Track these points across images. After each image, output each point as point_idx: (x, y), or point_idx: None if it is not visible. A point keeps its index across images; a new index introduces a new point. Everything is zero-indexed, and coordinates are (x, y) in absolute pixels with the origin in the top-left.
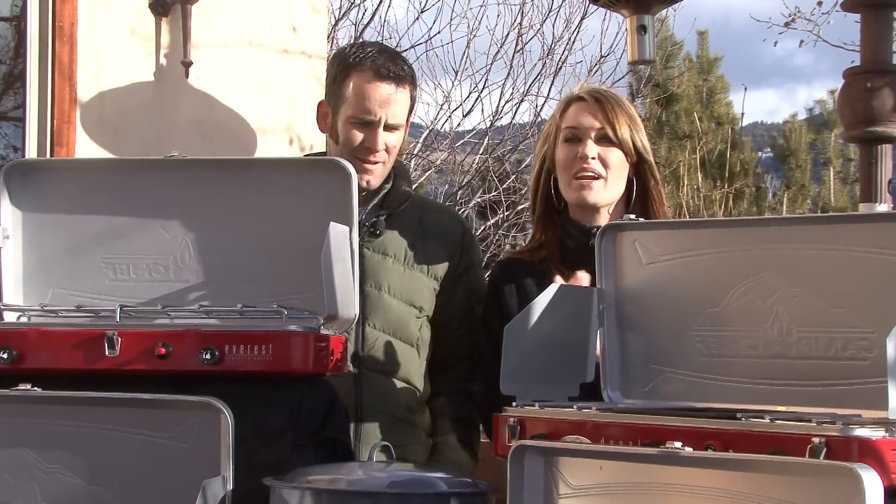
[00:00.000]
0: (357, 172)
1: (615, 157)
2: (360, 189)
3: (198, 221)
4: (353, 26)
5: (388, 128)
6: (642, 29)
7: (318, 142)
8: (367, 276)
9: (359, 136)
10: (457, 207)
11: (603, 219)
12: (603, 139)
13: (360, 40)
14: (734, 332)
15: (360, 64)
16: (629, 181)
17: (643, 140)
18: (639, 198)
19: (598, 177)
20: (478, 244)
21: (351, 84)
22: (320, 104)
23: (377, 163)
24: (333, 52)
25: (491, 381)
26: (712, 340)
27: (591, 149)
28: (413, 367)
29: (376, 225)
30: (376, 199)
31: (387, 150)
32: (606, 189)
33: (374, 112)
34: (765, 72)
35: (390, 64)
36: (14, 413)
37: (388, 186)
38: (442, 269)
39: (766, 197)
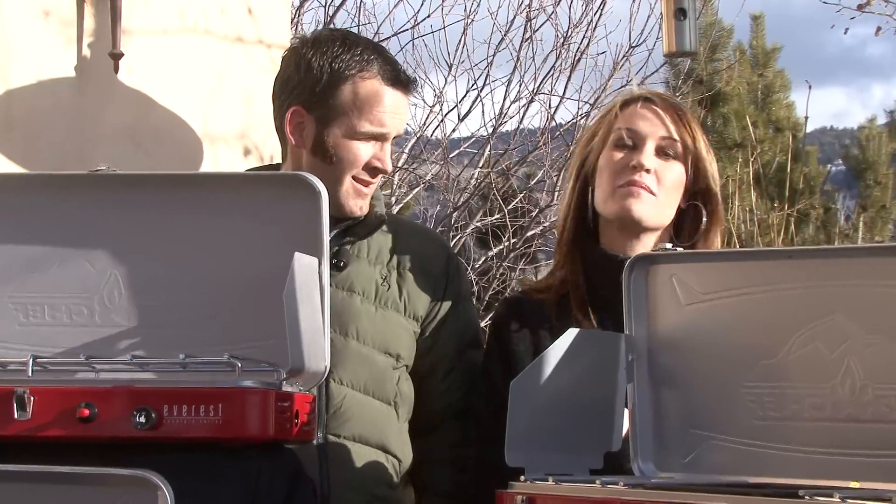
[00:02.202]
0: (353, 197)
1: (673, 174)
2: (345, 215)
3: (130, 252)
4: (323, 8)
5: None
6: (681, 13)
7: (280, 152)
8: (330, 319)
9: (367, 153)
10: (451, 233)
11: (642, 249)
12: (663, 151)
13: (338, 30)
14: (795, 390)
15: (365, 68)
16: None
17: (710, 163)
18: (687, 235)
19: (649, 191)
20: (466, 273)
21: (357, 91)
22: (294, 112)
23: (373, 184)
24: (296, 43)
25: (489, 448)
26: (768, 399)
27: (649, 159)
28: (391, 432)
29: (340, 255)
30: (341, 224)
31: None
32: (657, 207)
33: (387, 124)
34: (832, 65)
35: (398, 67)
36: None
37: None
38: (423, 306)
39: (836, 221)
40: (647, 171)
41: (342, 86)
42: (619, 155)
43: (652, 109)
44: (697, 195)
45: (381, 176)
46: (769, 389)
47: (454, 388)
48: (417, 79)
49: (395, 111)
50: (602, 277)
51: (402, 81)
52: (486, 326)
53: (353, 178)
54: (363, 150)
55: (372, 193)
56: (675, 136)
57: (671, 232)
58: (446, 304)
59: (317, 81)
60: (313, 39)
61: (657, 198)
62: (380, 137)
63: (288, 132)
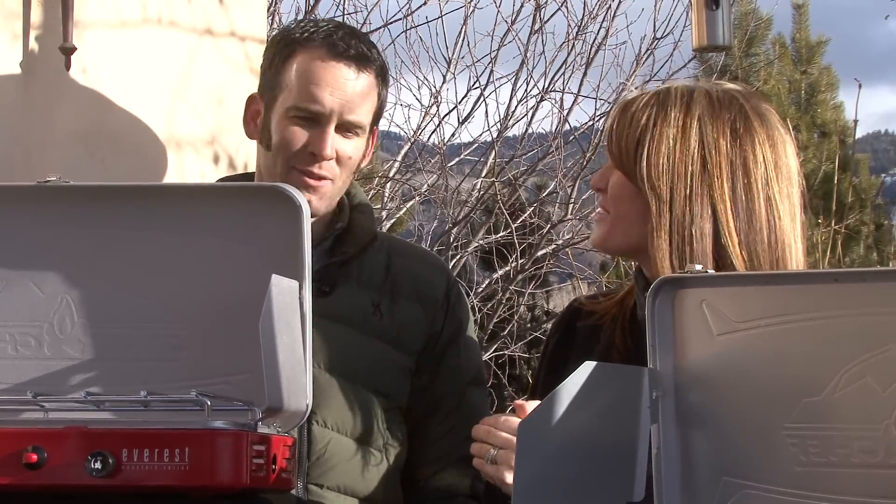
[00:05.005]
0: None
1: (619, 186)
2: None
3: (84, 274)
4: None
5: (344, 128)
6: (713, 2)
7: (255, 159)
8: (313, 352)
9: (300, 136)
10: (450, 252)
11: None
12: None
13: (312, 17)
14: (843, 432)
15: (309, 40)
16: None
17: (658, 163)
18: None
19: (605, 212)
20: (467, 303)
21: (294, 66)
22: (250, 100)
23: (323, 178)
24: (274, 34)
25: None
26: (811, 443)
27: (596, 176)
28: (381, 481)
29: (325, 278)
30: (325, 241)
31: (338, 160)
32: (608, 231)
33: (324, 101)
34: (882, 61)
35: (350, 39)
36: None
37: (341, 223)
38: (418, 338)
39: (890, 239)
40: (600, 189)
41: (287, 62)
42: None
43: (615, 113)
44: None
45: (325, 166)
46: (813, 431)
47: (454, 432)
48: (371, 56)
49: (335, 86)
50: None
51: (348, 54)
52: (489, 360)
53: (292, 167)
54: (296, 132)
55: (325, 190)
56: (607, 140)
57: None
58: (445, 337)
59: (269, 62)
60: (285, 27)
61: (610, 218)
62: (316, 117)
63: (244, 122)
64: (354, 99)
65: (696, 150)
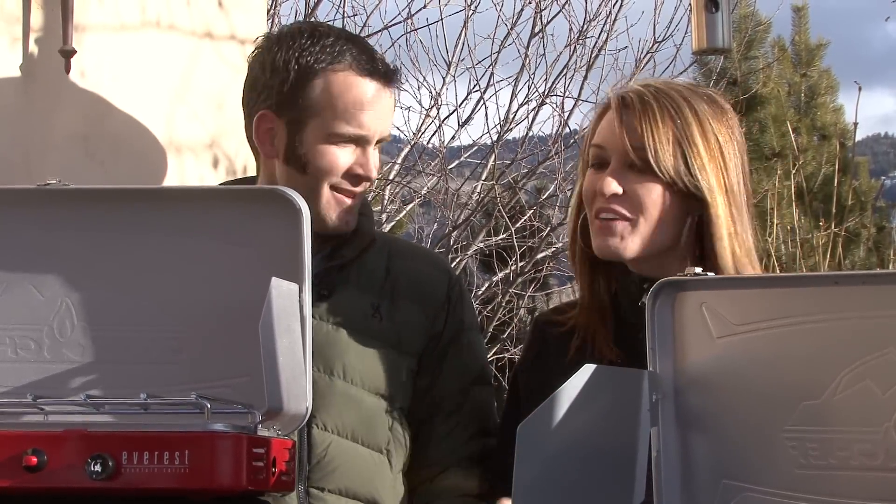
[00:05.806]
0: (335, 210)
1: (651, 192)
2: (331, 232)
3: (84, 277)
4: (303, 0)
5: (376, 144)
6: (713, 5)
7: (254, 162)
8: (312, 355)
9: (346, 159)
10: (451, 255)
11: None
12: (635, 165)
13: (305, 22)
14: (842, 434)
15: (336, 59)
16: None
17: (703, 165)
18: (701, 255)
19: (623, 218)
20: (470, 301)
21: (329, 87)
22: (262, 117)
23: (360, 195)
24: (261, 41)
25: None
26: (811, 446)
27: (611, 181)
28: (383, 484)
29: (324, 281)
30: (326, 244)
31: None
32: (637, 237)
33: (369, 124)
34: (880, 63)
35: (375, 56)
36: None
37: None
38: (420, 339)
39: (890, 242)
40: (616, 195)
41: (312, 82)
42: (591, 177)
43: (616, 116)
44: (693, 205)
45: (364, 185)
46: (813, 434)
47: (457, 432)
48: (399, 69)
49: (375, 108)
50: (629, 302)
51: (379, 72)
52: (491, 359)
53: (333, 187)
54: (341, 156)
55: (358, 206)
56: (639, 145)
57: (692, 249)
58: (447, 336)
59: (284, 80)
60: (278, 35)
61: (637, 224)
62: (360, 140)
63: (257, 141)
64: (389, 116)
65: (716, 149)
